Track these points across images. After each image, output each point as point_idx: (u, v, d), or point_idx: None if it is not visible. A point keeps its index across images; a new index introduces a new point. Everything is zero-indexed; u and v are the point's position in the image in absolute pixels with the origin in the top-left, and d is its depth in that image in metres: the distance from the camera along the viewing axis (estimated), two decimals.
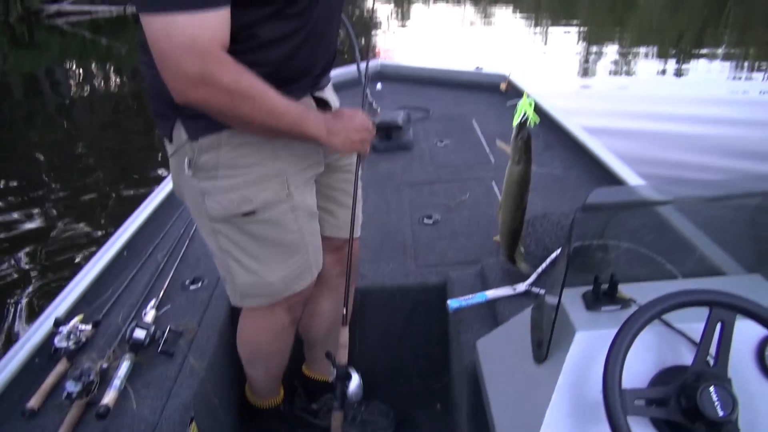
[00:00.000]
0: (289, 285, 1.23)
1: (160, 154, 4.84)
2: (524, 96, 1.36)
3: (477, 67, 3.63)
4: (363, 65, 1.96)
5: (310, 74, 1.11)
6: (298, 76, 1.07)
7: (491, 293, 1.46)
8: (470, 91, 3.52)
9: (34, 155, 5.16)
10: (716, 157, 4.30)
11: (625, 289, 0.97)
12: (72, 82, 8.35)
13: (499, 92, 3.45)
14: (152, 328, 1.42)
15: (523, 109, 1.37)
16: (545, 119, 2.83)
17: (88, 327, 1.45)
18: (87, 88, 7.96)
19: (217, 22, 0.87)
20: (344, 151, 1.22)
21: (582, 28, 12.04)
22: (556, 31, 12.07)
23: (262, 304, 1.26)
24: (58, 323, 1.43)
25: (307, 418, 1.63)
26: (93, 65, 9.54)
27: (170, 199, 2.24)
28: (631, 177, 2.01)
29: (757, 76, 7.11)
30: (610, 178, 2.10)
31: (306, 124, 1.03)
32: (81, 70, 9.16)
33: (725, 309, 0.81)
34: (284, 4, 0.95)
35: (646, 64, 8.07)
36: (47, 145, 5.37)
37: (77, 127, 6.02)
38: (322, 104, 1.21)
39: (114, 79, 8.46)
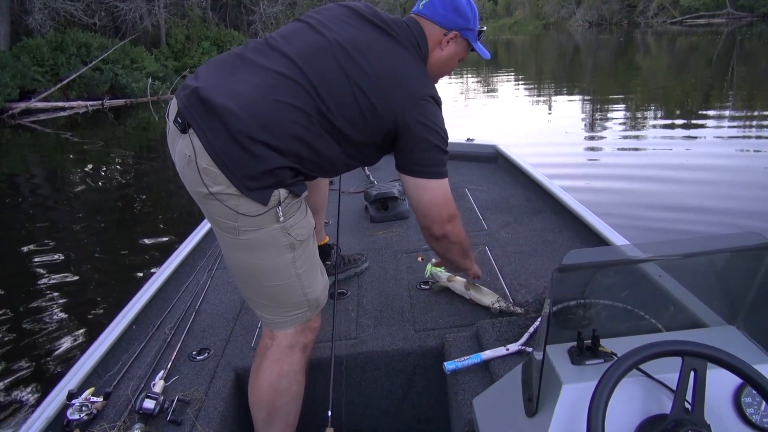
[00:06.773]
0: (325, 297, 1.50)
1: (145, 242, 4.88)
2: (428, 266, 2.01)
3: (468, 139, 3.80)
4: None
5: None
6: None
7: (486, 354, 1.52)
8: (462, 161, 3.67)
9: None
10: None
11: (609, 344, 1.04)
12: (41, 182, 7.82)
13: (490, 162, 3.61)
14: (161, 398, 1.47)
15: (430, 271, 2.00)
16: (534, 186, 2.96)
17: (100, 399, 1.50)
18: (62, 188, 7.45)
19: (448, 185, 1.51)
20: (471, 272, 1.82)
21: (585, 94, 12.24)
22: (560, 97, 12.27)
23: (306, 317, 1.45)
24: (72, 396, 1.47)
25: None
26: (66, 165, 8.93)
27: (176, 275, 2.32)
28: (616, 237, 2.11)
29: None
30: (596, 239, 2.20)
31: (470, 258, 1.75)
32: (49, 172, 8.54)
33: (695, 358, 0.88)
34: None
35: (653, 129, 8.12)
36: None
37: (57, 224, 5.74)
38: None
39: (91, 177, 7.83)
